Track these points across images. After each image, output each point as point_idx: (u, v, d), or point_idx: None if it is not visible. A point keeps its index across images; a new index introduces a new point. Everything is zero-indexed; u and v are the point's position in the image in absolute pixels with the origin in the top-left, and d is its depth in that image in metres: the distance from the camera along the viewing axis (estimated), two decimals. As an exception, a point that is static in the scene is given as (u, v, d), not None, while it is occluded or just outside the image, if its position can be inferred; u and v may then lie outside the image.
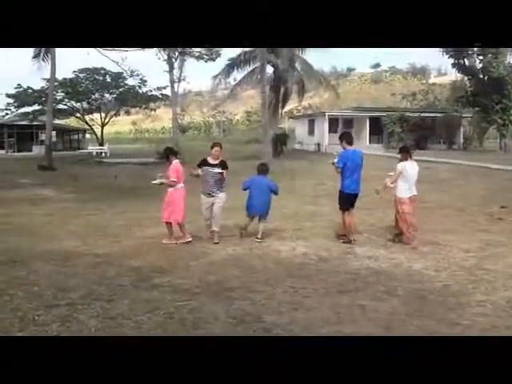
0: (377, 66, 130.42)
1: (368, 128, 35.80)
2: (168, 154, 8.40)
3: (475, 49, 33.58)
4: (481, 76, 33.95)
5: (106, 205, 12.75)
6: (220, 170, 7.97)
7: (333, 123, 35.95)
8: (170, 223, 8.13)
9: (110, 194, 15.15)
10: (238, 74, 33.60)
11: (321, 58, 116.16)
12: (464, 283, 5.96)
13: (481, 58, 33.70)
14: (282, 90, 32.98)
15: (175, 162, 8.27)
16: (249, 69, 32.31)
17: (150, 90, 39.12)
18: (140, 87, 39.02)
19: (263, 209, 8.41)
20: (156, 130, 79.63)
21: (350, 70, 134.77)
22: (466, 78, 36.63)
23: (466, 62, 34.56)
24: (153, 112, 46.52)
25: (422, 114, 36.83)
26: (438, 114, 37.27)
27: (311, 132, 38.35)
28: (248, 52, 31.80)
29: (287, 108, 45.35)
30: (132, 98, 39.89)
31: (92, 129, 43.50)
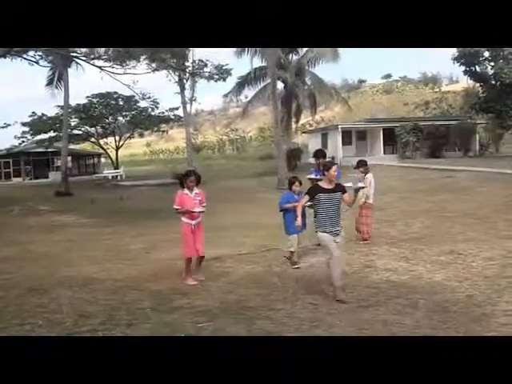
0: (388, 76, 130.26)
1: (382, 139, 35.63)
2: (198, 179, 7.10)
3: (486, 55, 33.42)
4: (493, 82, 33.67)
5: (124, 228, 12.84)
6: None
7: (346, 136, 35.86)
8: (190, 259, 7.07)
9: (128, 217, 15.26)
10: (248, 92, 33.96)
11: (331, 71, 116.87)
12: (488, 293, 5.84)
13: (492, 64, 33.47)
14: (294, 105, 33.17)
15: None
16: (259, 86, 32.63)
17: (163, 112, 39.57)
18: (152, 109, 39.52)
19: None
20: (170, 150, 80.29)
21: (361, 81, 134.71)
22: (478, 85, 36.38)
23: (478, 69, 34.34)
24: (166, 133, 46.98)
25: (436, 123, 36.58)
26: (452, 122, 36.95)
27: (325, 145, 38.23)
28: (258, 69, 32.13)
29: (300, 123, 45.50)
30: (145, 120, 40.39)
31: (107, 152, 44.06)
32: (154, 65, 21.65)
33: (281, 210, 7.72)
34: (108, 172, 40.20)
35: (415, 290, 6.14)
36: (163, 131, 44.25)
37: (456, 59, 33.86)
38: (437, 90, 74.34)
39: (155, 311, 5.74)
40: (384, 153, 35.11)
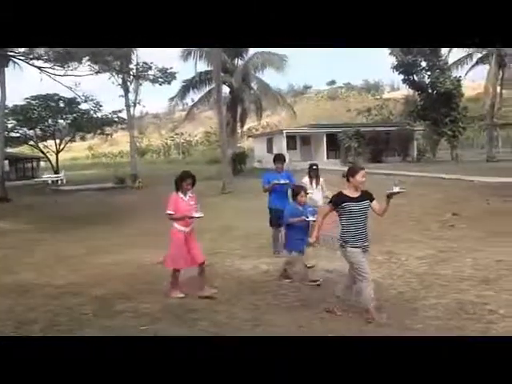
0: (332, 82, 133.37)
1: (325, 144, 36.51)
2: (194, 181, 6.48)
3: (423, 64, 34.94)
4: (429, 91, 35.23)
5: (65, 234, 12.56)
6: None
7: (291, 140, 36.53)
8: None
9: (69, 223, 14.92)
10: (194, 96, 33.96)
11: (278, 77, 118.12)
12: (417, 289, 6.22)
13: (429, 73, 35.03)
14: (239, 109, 33.43)
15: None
16: (205, 90, 32.68)
17: (106, 115, 38.75)
18: (95, 112, 38.59)
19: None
20: (113, 154, 78.65)
21: (306, 87, 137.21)
22: (416, 93, 37.93)
23: (415, 78, 35.83)
24: (109, 136, 46.01)
25: (377, 129, 37.90)
26: (392, 128, 38.40)
27: (270, 150, 38.78)
28: (203, 73, 32.17)
29: (246, 127, 45.87)
30: (87, 123, 39.35)
31: (46, 156, 42.55)
32: (96, 67, 21.27)
33: (286, 225, 6.91)
34: (48, 176, 38.86)
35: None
36: (107, 134, 43.28)
37: (395, 68, 35.22)
38: (378, 97, 76.85)
39: (97, 316, 5.72)
40: (327, 157, 35.99)
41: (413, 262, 7.65)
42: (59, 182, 36.74)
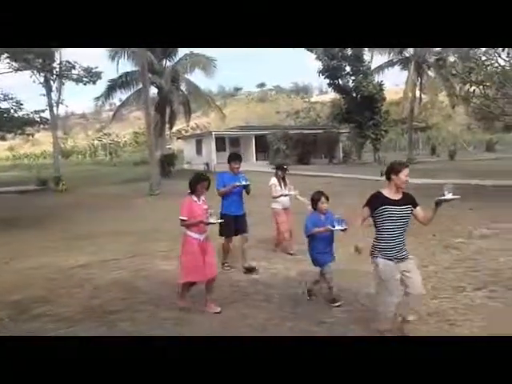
0: (262, 85, 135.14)
1: (254, 146, 37.01)
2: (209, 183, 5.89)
3: (348, 69, 36.26)
4: (354, 94, 36.63)
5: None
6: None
7: (220, 142, 36.70)
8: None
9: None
10: (122, 96, 33.27)
11: (208, 79, 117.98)
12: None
13: (353, 77, 36.41)
14: (168, 110, 33.15)
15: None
16: (133, 90, 32.10)
17: (27, 114, 37.00)
18: (15, 111, 36.74)
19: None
20: (36, 155, 75.23)
21: (237, 89, 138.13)
22: (341, 97, 39.27)
23: (340, 82, 37.11)
24: (31, 136, 43.96)
25: (305, 131, 38.91)
26: (319, 131, 39.57)
27: (199, 152, 38.79)
28: (130, 73, 31.61)
29: (175, 128, 45.48)
30: (6, 123, 37.38)
31: (-38, 157, 40.15)
32: (16, 64, 20.34)
33: (307, 236, 5.99)
34: (-37, 178, 36.67)
35: (271, 285, 6.67)
36: (28, 134, 41.32)
37: (321, 72, 36.35)
38: (307, 99, 78.73)
39: (14, 321, 5.60)
40: (256, 159, 36.51)
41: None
42: (-24, 184, 34.70)
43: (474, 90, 15.49)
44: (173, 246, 9.64)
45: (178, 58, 33.58)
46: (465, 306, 5.51)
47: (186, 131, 57.37)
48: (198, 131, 54.78)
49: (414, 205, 4.57)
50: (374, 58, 38.67)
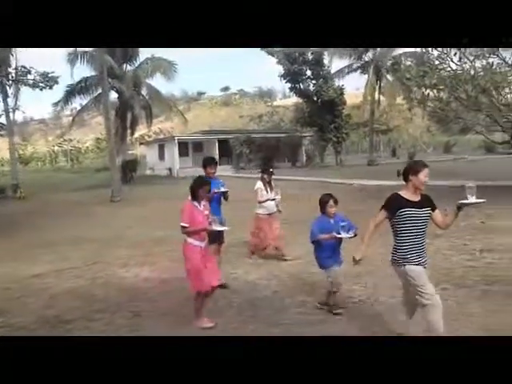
0: (226, 89, 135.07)
1: (217, 150, 36.98)
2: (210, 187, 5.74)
3: (308, 73, 36.67)
4: (315, 98, 37.07)
5: None
6: None
7: (183, 147, 36.52)
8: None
9: None
10: (82, 101, 32.69)
11: (171, 83, 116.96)
12: (290, 287, 6.65)
13: (314, 82, 36.85)
14: (129, 115, 32.78)
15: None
16: (92, 95, 31.59)
17: (-18, 120, 35.90)
18: (-31, 116, 35.60)
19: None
20: (-7, 162, 72.85)
21: (200, 93, 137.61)
22: (303, 101, 39.68)
23: (302, 86, 37.50)
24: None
25: (268, 135, 39.14)
26: (282, 135, 39.86)
27: (162, 157, 38.50)
28: (90, 78, 31.10)
29: (139, 133, 45.00)
30: (-41, 128, 36.18)
31: None
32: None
33: (312, 242, 5.65)
34: None
35: (232, 290, 6.70)
36: (-17, 140, 40.14)
37: (282, 76, 36.65)
38: (270, 103, 79.17)
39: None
40: (220, 164, 36.40)
41: (289, 263, 8.12)
42: None
43: (429, 94, 15.94)
44: (132, 253, 9.58)
45: (138, 62, 33.29)
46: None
47: (149, 136, 56.91)
48: (162, 136, 54.41)
49: (433, 207, 4.35)
50: (334, 62, 39.32)
